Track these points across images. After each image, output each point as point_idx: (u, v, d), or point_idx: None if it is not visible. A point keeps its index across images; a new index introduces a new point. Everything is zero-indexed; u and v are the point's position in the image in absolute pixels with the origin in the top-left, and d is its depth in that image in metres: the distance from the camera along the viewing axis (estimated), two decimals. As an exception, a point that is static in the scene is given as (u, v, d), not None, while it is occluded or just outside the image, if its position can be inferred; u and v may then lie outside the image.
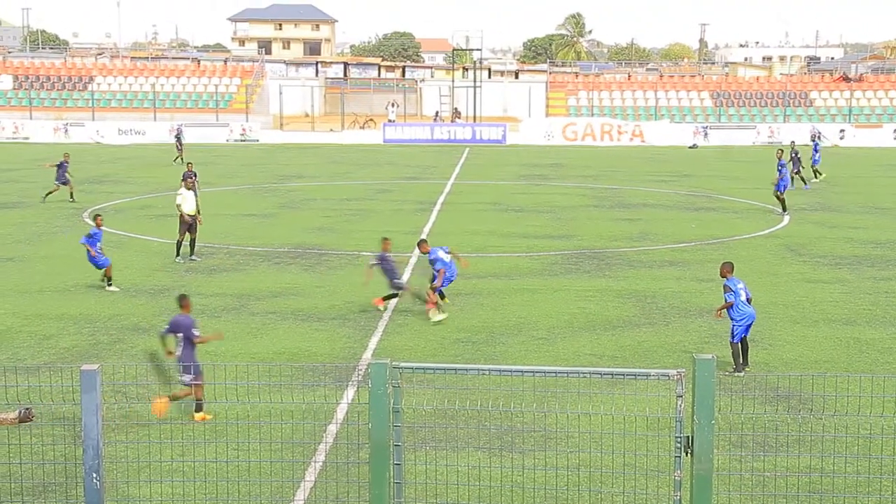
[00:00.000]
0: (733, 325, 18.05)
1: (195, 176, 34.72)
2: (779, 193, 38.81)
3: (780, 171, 39.21)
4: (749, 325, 18.12)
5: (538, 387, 15.02)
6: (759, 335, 20.43)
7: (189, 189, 28.86)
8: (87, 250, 25.10)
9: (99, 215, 26.52)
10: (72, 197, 41.29)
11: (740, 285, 18.24)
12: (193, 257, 28.59)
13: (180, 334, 15.55)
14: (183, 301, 16.10)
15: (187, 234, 28.53)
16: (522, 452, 13.65)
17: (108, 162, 60.76)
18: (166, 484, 12.69)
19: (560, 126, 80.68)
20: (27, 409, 5.77)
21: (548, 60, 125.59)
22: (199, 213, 28.89)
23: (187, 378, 15.31)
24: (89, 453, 6.24)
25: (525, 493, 12.40)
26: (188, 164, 39.51)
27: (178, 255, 28.55)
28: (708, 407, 8.63)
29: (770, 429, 14.73)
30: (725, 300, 18.07)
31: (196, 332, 15.59)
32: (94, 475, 6.28)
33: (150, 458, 13.40)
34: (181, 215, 28.49)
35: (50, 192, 41.28)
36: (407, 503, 7.12)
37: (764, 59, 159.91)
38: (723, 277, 18.42)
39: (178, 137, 61.31)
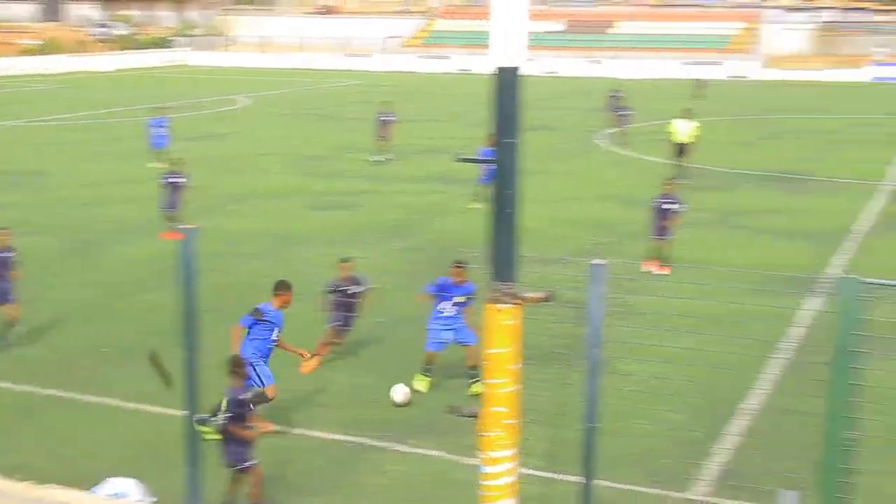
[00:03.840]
0: None
1: None
2: None
3: None
4: None
5: None
6: None
7: (684, 119, 28.87)
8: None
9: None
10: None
11: None
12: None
13: None
14: None
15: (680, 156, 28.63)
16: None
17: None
18: (649, 364, 13.05)
19: None
20: (549, 292, 6.24)
21: None
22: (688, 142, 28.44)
23: None
24: (592, 332, 6.67)
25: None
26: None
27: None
28: None
29: None
30: None
31: None
32: (595, 350, 6.72)
33: (638, 341, 13.77)
34: (673, 142, 28.80)
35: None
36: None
37: None
38: None
39: (698, 81, 59.77)
